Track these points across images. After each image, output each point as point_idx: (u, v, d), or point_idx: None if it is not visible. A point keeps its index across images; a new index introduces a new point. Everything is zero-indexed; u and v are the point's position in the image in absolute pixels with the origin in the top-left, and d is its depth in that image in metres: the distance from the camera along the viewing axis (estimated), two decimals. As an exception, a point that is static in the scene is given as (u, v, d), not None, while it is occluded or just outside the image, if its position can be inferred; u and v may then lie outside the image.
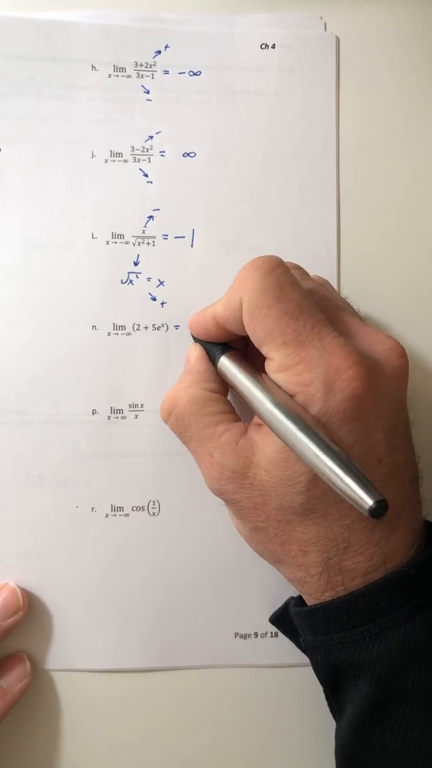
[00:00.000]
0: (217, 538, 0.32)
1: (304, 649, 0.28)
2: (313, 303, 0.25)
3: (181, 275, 0.33)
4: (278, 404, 0.24)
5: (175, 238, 0.33)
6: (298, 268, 0.28)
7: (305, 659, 0.30)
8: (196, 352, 0.29)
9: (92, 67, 0.33)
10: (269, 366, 0.25)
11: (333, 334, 0.24)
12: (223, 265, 0.33)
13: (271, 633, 0.32)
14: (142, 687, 0.32)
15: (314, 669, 0.27)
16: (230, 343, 0.29)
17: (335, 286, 0.33)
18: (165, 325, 0.32)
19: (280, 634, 0.32)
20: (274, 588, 0.32)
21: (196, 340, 0.30)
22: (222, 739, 0.32)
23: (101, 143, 0.33)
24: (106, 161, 0.33)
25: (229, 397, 0.29)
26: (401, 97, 0.34)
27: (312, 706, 0.32)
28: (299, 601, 0.28)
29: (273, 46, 0.33)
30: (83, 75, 0.33)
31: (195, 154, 0.33)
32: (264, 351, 0.25)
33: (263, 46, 0.33)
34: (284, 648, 0.32)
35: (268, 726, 0.32)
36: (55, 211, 0.32)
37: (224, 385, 0.28)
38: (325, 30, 0.34)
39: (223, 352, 0.28)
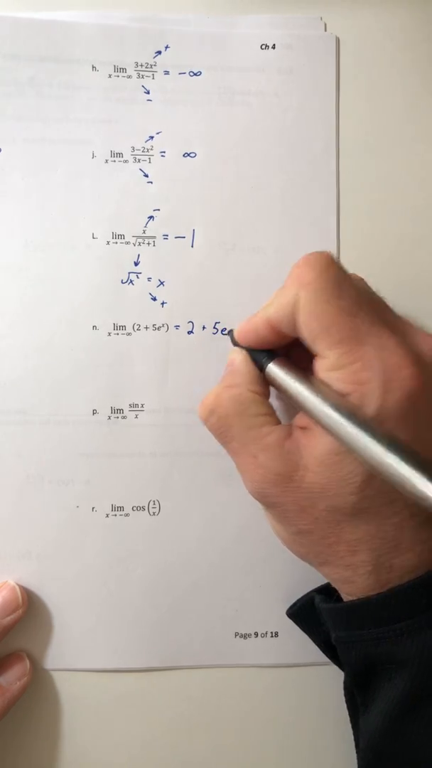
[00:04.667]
0: (217, 539, 0.32)
1: (333, 643, 0.27)
2: (368, 300, 0.25)
3: (182, 275, 0.33)
4: (339, 407, 0.23)
5: (176, 238, 0.33)
6: None
7: (305, 659, 0.30)
8: (240, 354, 0.28)
9: (93, 67, 0.33)
10: (321, 364, 0.25)
11: (389, 332, 0.24)
12: (223, 265, 0.33)
13: (271, 633, 0.32)
14: (142, 687, 0.32)
15: (346, 663, 0.27)
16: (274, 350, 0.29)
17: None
18: (165, 325, 0.32)
19: (280, 633, 0.32)
20: (273, 588, 0.32)
21: (235, 344, 0.29)
22: (222, 739, 0.32)
23: (102, 143, 0.33)
24: (106, 161, 0.33)
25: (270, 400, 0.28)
26: (401, 96, 0.34)
27: (312, 705, 0.32)
28: (327, 598, 0.28)
29: (273, 47, 0.33)
30: (84, 75, 0.33)
31: (195, 155, 0.33)
32: (318, 348, 0.25)
33: (263, 46, 0.33)
34: (284, 648, 0.32)
35: (268, 726, 0.32)
36: (55, 211, 0.32)
37: (267, 388, 0.28)
38: (325, 30, 0.34)
39: (270, 358, 0.28)
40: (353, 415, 0.23)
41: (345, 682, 0.27)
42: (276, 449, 0.25)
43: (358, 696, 0.27)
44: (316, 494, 0.25)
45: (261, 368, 0.28)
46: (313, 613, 0.29)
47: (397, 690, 0.24)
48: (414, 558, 0.24)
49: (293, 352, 0.27)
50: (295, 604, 0.30)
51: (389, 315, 0.27)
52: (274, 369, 0.27)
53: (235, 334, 0.29)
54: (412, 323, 0.27)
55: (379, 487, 0.24)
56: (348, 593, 0.26)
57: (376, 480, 0.24)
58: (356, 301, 0.24)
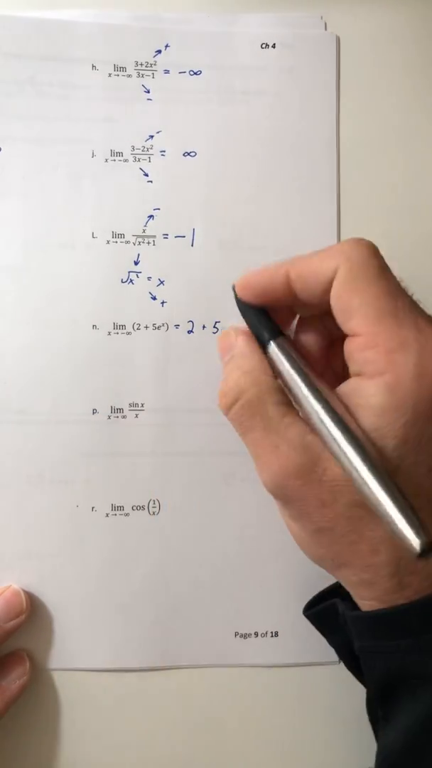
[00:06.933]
0: (217, 538, 0.32)
1: (356, 653, 0.26)
2: (405, 293, 0.25)
3: (182, 275, 0.33)
4: (339, 422, 0.23)
5: (176, 237, 0.33)
6: None
7: (305, 659, 0.30)
8: (242, 336, 0.26)
9: (93, 66, 0.33)
10: (353, 344, 0.24)
11: (426, 322, 0.24)
12: (223, 264, 0.33)
13: (271, 633, 0.32)
14: (142, 686, 0.31)
15: (368, 674, 0.25)
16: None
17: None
18: (165, 325, 0.32)
19: (280, 633, 0.32)
20: (274, 588, 0.32)
21: (241, 307, 0.27)
22: (222, 739, 0.32)
23: (102, 143, 0.33)
24: (106, 161, 0.33)
25: None
26: (401, 96, 0.34)
27: (312, 705, 0.32)
28: (351, 604, 0.26)
29: (273, 46, 0.33)
30: (84, 74, 0.33)
31: (195, 154, 0.33)
32: (351, 325, 0.24)
33: (264, 45, 0.33)
34: (284, 648, 0.32)
35: (268, 725, 0.32)
36: (55, 210, 0.32)
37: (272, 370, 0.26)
38: (325, 30, 0.34)
39: (272, 336, 0.25)
40: (354, 436, 0.22)
41: (368, 694, 0.26)
42: (298, 440, 0.24)
43: (379, 709, 0.26)
44: (339, 488, 0.23)
45: (262, 345, 0.26)
46: (333, 618, 0.27)
47: (424, 706, 0.23)
48: None
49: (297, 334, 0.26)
50: (312, 605, 0.29)
51: (422, 310, 0.26)
52: (276, 353, 0.25)
53: (242, 281, 0.26)
54: None
55: (403, 481, 0.23)
56: (366, 598, 0.25)
57: (401, 472, 0.23)
58: (398, 287, 0.24)
